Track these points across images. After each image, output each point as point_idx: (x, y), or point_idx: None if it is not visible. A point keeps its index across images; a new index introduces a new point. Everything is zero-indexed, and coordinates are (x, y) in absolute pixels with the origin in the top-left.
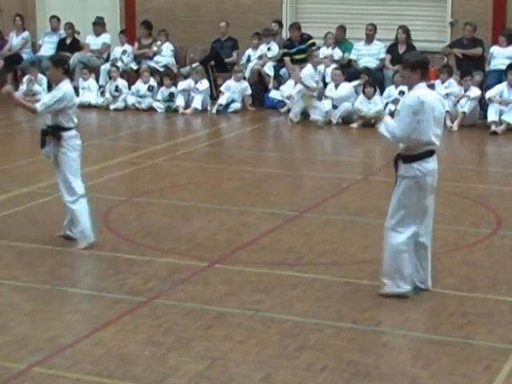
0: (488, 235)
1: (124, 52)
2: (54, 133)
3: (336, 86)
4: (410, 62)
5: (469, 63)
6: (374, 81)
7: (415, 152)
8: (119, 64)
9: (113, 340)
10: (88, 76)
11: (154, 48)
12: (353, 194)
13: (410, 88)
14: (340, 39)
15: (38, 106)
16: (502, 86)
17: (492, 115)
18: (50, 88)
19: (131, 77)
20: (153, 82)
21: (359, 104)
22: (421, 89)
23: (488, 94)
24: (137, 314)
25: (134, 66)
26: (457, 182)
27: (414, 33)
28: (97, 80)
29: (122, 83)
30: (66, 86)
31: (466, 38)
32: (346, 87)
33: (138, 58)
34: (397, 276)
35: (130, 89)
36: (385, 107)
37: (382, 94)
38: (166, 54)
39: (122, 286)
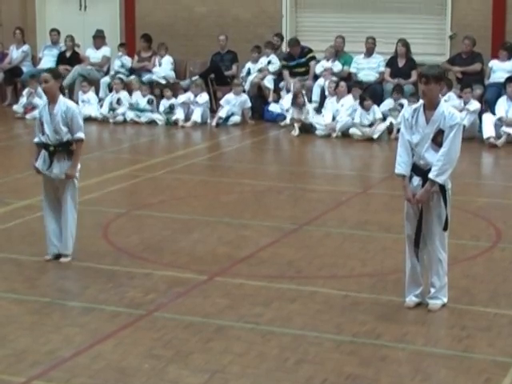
0: (488, 248)
1: (121, 64)
2: (67, 149)
3: (338, 99)
4: (435, 75)
5: (468, 77)
6: (372, 93)
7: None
8: (121, 76)
9: (112, 353)
10: (88, 89)
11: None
12: (352, 207)
13: (432, 102)
14: (339, 49)
15: (82, 136)
16: (504, 103)
17: (488, 131)
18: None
19: (131, 89)
20: (151, 95)
21: (358, 117)
22: (444, 104)
23: (498, 115)
24: (136, 326)
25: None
26: (456, 195)
27: (413, 46)
28: (97, 93)
29: (123, 95)
30: (72, 103)
31: (464, 52)
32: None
33: (137, 71)
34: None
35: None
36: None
37: (379, 106)
38: (165, 67)
39: (122, 298)
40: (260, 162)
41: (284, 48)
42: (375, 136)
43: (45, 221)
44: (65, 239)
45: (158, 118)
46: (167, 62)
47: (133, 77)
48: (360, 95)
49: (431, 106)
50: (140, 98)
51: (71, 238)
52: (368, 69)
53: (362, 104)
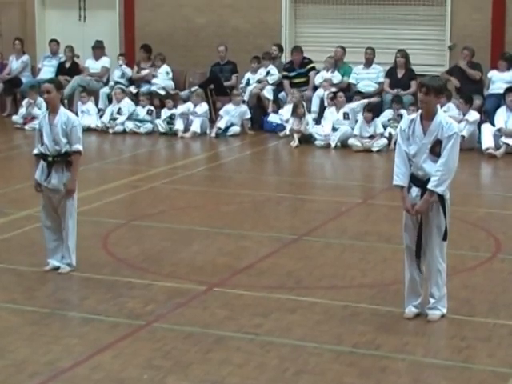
0: (487, 259)
1: (121, 74)
2: (65, 160)
3: (338, 109)
4: (436, 87)
5: (468, 87)
6: (373, 105)
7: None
8: (121, 86)
9: (111, 364)
10: (87, 99)
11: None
12: (352, 217)
13: (429, 113)
14: (339, 59)
15: (80, 148)
16: (504, 113)
17: (487, 142)
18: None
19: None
20: (150, 106)
21: (358, 129)
22: (443, 113)
23: (497, 126)
24: (136, 337)
25: (134, 90)
26: (456, 206)
27: (412, 56)
28: (96, 104)
29: (124, 105)
30: (72, 114)
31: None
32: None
33: (137, 82)
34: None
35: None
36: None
37: (379, 117)
38: (162, 78)
39: (121, 309)
40: (259, 173)
41: (283, 58)
42: (374, 149)
43: (43, 232)
44: (65, 250)
45: (160, 124)
46: (163, 71)
47: (117, 86)
48: (363, 106)
49: (428, 116)
50: (140, 109)
51: (71, 248)
52: (367, 79)
53: (363, 116)
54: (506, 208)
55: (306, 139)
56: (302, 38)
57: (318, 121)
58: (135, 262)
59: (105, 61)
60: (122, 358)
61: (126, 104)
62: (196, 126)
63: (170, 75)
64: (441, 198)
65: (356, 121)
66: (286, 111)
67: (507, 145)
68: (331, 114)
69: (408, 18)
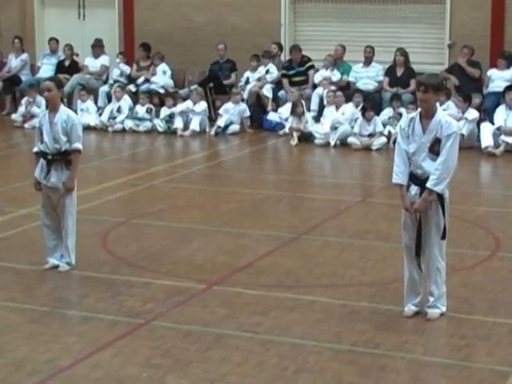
0: (486, 257)
1: (120, 73)
2: (65, 158)
3: (337, 108)
4: (434, 85)
5: (467, 85)
6: (373, 103)
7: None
8: (120, 84)
9: (111, 362)
10: (86, 98)
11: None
12: (351, 216)
13: (429, 111)
14: (339, 57)
15: (79, 146)
16: (503, 112)
17: (486, 140)
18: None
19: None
20: (150, 104)
21: (358, 127)
22: (442, 112)
23: (497, 124)
24: (135, 336)
25: (133, 88)
26: (455, 205)
27: (411, 55)
28: (95, 102)
29: (123, 103)
30: (72, 113)
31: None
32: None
33: (136, 81)
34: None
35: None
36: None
37: (379, 115)
38: (161, 76)
39: (120, 308)
40: (259, 171)
41: (283, 57)
42: (374, 148)
43: (43, 230)
44: (64, 249)
45: (159, 123)
46: (160, 70)
47: (116, 85)
48: (362, 106)
49: (428, 114)
50: (139, 107)
51: (70, 247)
52: (367, 78)
53: (363, 114)
54: (505, 206)
55: (306, 137)
56: (301, 36)
57: (317, 119)
58: (134, 260)
59: (104, 59)
60: (122, 356)
61: (125, 102)
62: (195, 125)
63: (168, 74)
64: (440, 196)
65: (356, 119)
66: (286, 109)
67: (506, 143)
68: (331, 113)
69: (407, 16)
